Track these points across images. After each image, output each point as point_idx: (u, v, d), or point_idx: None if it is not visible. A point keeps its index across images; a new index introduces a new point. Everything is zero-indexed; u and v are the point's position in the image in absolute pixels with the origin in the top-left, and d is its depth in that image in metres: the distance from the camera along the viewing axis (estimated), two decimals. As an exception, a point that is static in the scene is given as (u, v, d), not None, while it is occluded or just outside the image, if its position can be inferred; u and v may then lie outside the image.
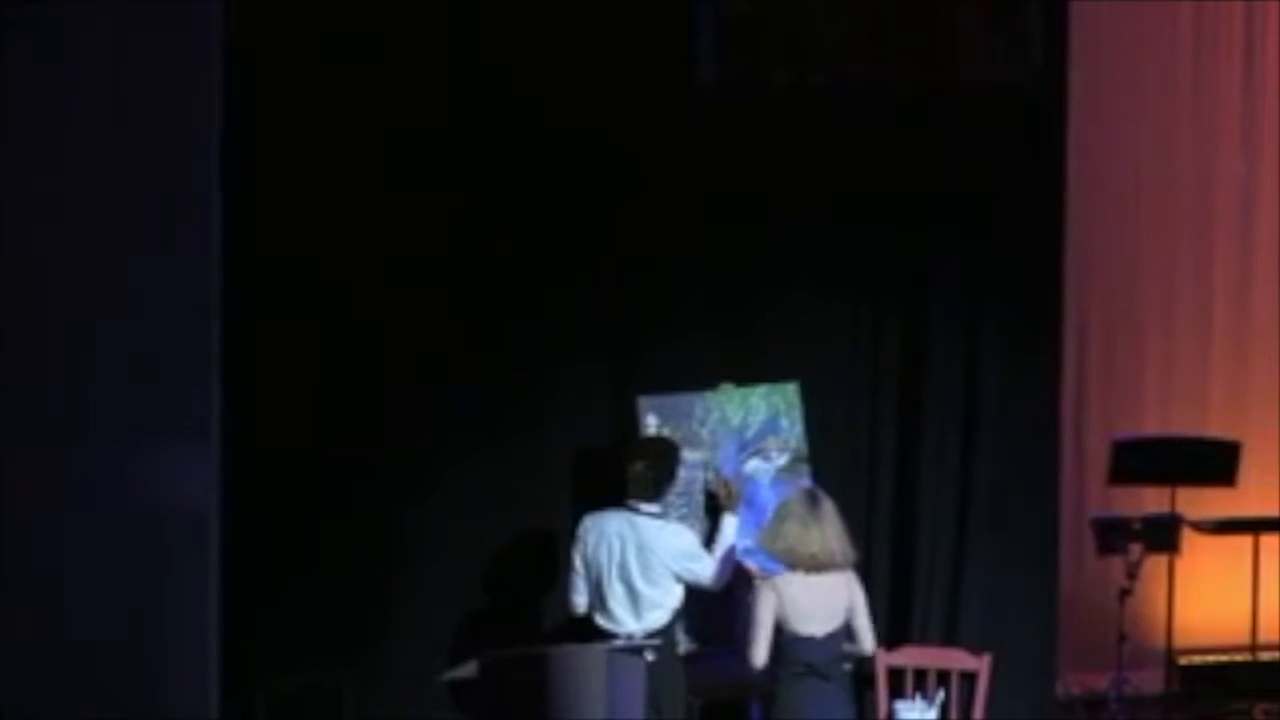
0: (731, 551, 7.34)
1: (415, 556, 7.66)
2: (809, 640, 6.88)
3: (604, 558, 7.18)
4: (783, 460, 7.66)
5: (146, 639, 6.29)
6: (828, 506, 6.99)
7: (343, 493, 7.56)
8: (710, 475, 7.53)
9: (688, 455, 7.50)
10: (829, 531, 6.93)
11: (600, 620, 7.23)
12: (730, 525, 7.37)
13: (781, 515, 6.98)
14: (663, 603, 7.20)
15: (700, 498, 7.54)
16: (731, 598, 7.42)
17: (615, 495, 7.31)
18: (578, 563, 7.24)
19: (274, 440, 7.38)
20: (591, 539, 7.22)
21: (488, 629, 7.61)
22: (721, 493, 7.45)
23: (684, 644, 7.43)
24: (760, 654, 6.87)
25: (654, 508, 7.26)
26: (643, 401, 7.58)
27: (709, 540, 7.41)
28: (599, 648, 6.86)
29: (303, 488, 7.47)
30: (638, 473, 7.22)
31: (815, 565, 6.90)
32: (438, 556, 7.67)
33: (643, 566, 7.16)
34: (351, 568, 7.59)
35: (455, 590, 7.68)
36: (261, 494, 7.26)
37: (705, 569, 7.24)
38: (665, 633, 7.23)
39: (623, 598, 7.18)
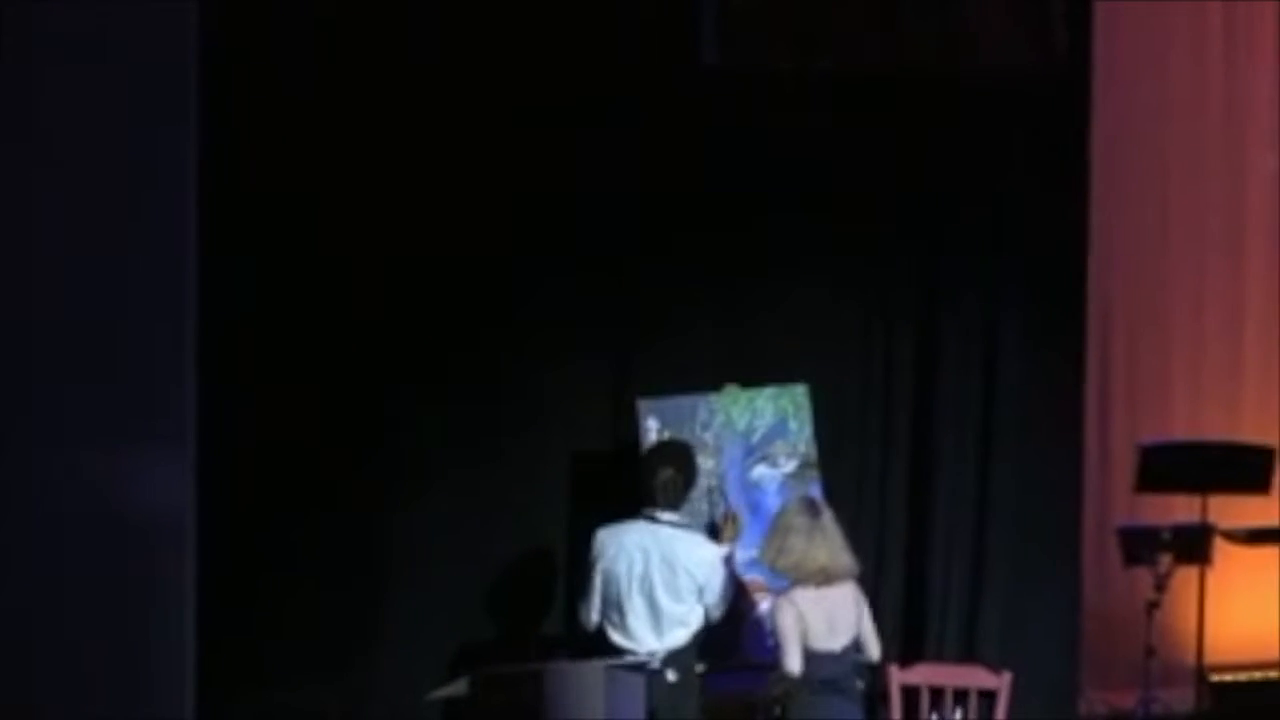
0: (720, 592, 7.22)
1: (404, 567, 7.63)
2: (827, 655, 6.86)
3: (623, 571, 7.08)
4: (790, 466, 7.62)
5: (118, 654, 6.26)
6: (828, 515, 6.97)
7: (327, 500, 7.52)
8: (716, 499, 7.49)
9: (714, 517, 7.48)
10: (834, 542, 6.91)
11: (617, 638, 7.12)
12: (728, 558, 7.23)
13: (782, 528, 6.94)
14: (686, 620, 7.10)
15: (703, 505, 7.49)
16: (736, 613, 7.32)
17: (617, 502, 7.26)
18: (596, 579, 7.12)
19: (254, 444, 7.35)
20: (610, 552, 7.10)
21: (480, 644, 7.59)
22: (725, 526, 7.40)
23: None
24: (795, 660, 6.82)
25: (675, 516, 7.17)
26: (643, 404, 7.53)
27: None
28: (596, 665, 6.80)
29: (285, 494, 7.44)
30: (668, 480, 7.13)
31: (825, 578, 6.87)
32: (428, 566, 7.63)
33: (668, 581, 7.07)
34: (336, 579, 7.55)
35: (446, 603, 7.64)
36: (241, 501, 7.24)
37: (719, 587, 7.14)
38: (684, 654, 7.13)
39: (644, 614, 7.09)
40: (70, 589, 6.21)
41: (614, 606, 7.09)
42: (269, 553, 7.43)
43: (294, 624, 7.48)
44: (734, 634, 7.38)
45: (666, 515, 7.12)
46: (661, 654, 7.04)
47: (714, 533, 7.41)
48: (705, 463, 7.49)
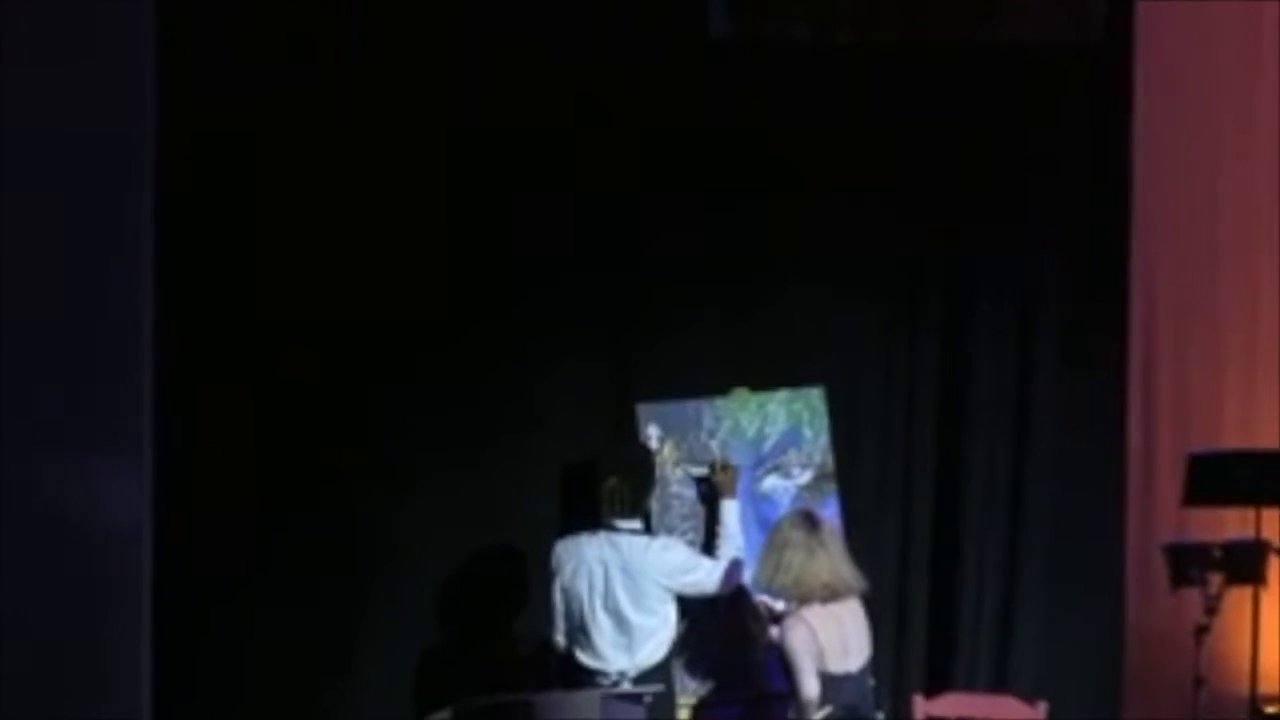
0: (738, 548, 7.20)
1: (381, 585, 7.57)
2: (845, 678, 6.78)
3: (584, 588, 7.03)
4: (805, 478, 7.51)
5: (69, 676, 6.34)
6: (828, 529, 6.91)
7: (296, 512, 7.47)
8: (689, 468, 7.43)
9: (695, 472, 7.41)
10: (836, 556, 6.81)
11: (584, 659, 7.07)
12: (732, 513, 7.20)
13: (778, 544, 6.84)
14: (658, 632, 7.04)
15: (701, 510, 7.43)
16: (746, 636, 7.23)
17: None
18: (557, 597, 7.13)
19: (215, 452, 7.33)
20: (568, 569, 7.08)
21: (464, 669, 7.54)
22: (718, 476, 7.27)
23: (689, 689, 7.28)
24: (811, 683, 6.73)
25: (634, 523, 7.11)
26: (643, 410, 7.44)
27: (710, 541, 7.26)
28: (592, 694, 6.80)
29: (249, 506, 7.39)
30: (612, 489, 7.11)
31: (829, 594, 6.76)
32: (407, 586, 7.56)
33: (633, 592, 7.00)
34: (306, 597, 7.50)
35: (427, 625, 7.58)
36: (201, 513, 7.23)
37: (707, 576, 7.09)
38: (661, 671, 7.06)
39: (610, 631, 7.02)
40: (16, 607, 6.26)
41: (578, 625, 7.06)
42: (234, 567, 7.37)
43: (263, 641, 7.44)
44: (740, 660, 7.26)
45: (625, 523, 7.08)
46: (633, 673, 7.00)
47: (711, 544, 7.23)
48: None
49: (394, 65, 7.51)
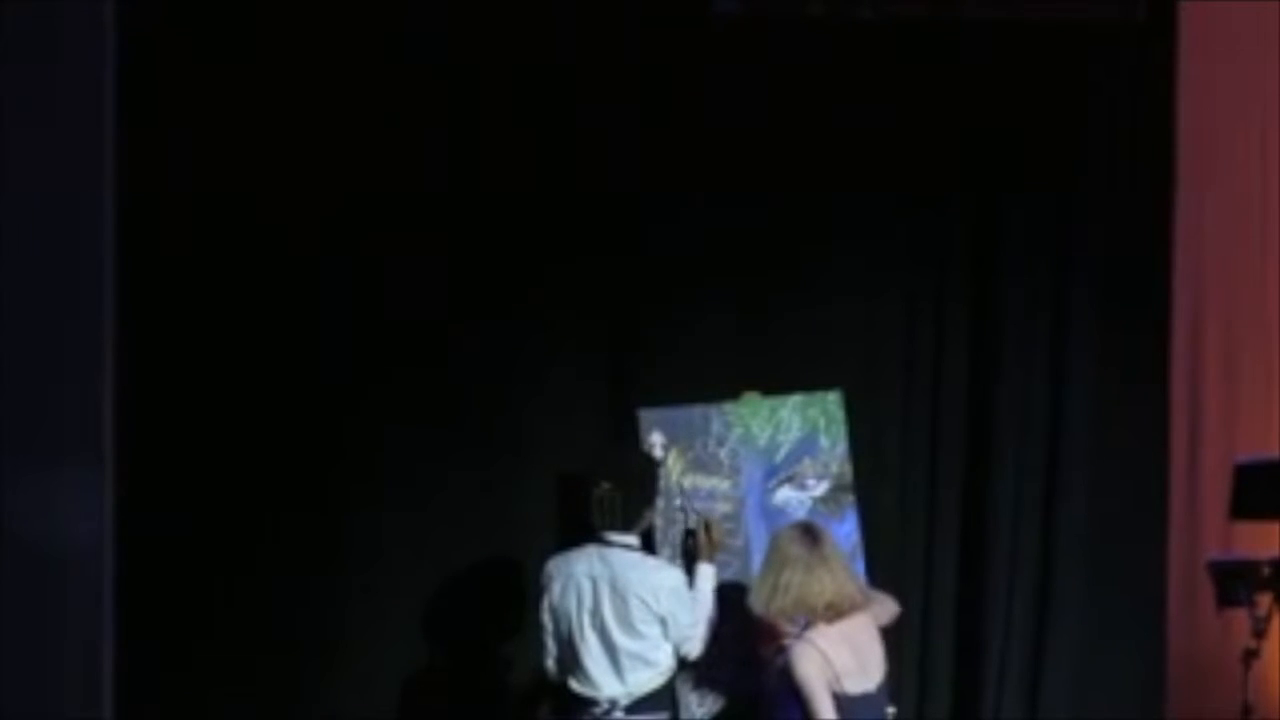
0: (708, 618, 7.13)
1: (360, 609, 7.54)
2: (864, 699, 6.69)
3: (573, 605, 6.94)
4: (821, 489, 7.41)
5: (25, 693, 6.15)
6: (829, 540, 6.76)
7: (271, 531, 7.44)
8: (686, 505, 7.34)
9: (701, 484, 7.35)
10: (839, 572, 6.71)
11: (575, 684, 6.97)
12: (707, 578, 7.11)
13: (776, 563, 6.73)
14: (649, 659, 6.94)
15: (669, 525, 7.38)
16: (756, 660, 7.09)
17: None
18: (546, 617, 7.03)
19: (183, 467, 7.34)
20: (557, 586, 6.99)
21: (450, 700, 7.56)
22: (701, 535, 7.20)
23: (696, 717, 7.22)
24: (828, 713, 6.68)
25: (629, 538, 7.01)
26: (645, 415, 7.36)
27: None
28: None
29: (220, 525, 7.37)
30: (603, 495, 6.98)
31: (835, 613, 6.66)
32: (389, 608, 7.53)
33: (619, 611, 6.91)
34: (280, 624, 7.48)
35: (409, 652, 7.55)
36: (168, 533, 7.23)
37: (689, 622, 6.98)
38: (660, 699, 6.99)
39: (599, 653, 6.94)
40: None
41: (567, 647, 6.97)
42: (203, 594, 7.37)
43: (231, 674, 7.44)
44: (751, 685, 7.14)
45: (618, 537, 6.97)
46: (625, 701, 6.92)
47: (690, 557, 7.25)
48: (720, 485, 7.39)
49: (376, 61, 7.52)
